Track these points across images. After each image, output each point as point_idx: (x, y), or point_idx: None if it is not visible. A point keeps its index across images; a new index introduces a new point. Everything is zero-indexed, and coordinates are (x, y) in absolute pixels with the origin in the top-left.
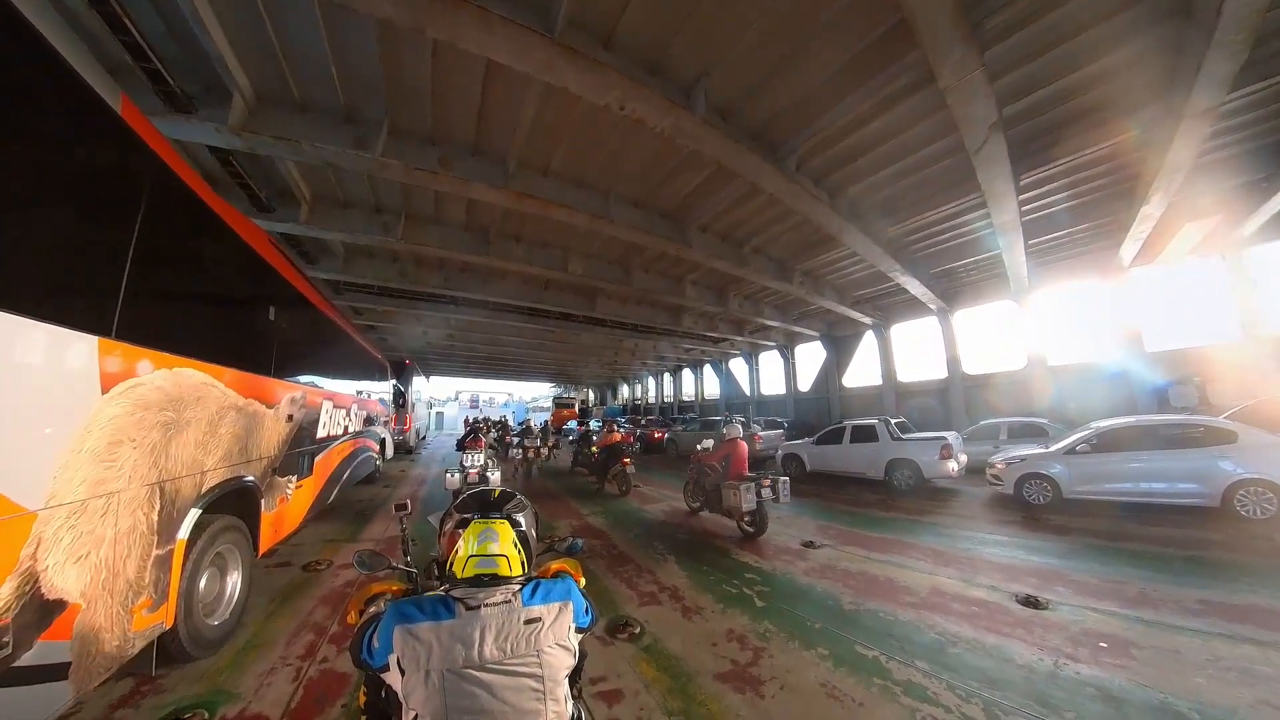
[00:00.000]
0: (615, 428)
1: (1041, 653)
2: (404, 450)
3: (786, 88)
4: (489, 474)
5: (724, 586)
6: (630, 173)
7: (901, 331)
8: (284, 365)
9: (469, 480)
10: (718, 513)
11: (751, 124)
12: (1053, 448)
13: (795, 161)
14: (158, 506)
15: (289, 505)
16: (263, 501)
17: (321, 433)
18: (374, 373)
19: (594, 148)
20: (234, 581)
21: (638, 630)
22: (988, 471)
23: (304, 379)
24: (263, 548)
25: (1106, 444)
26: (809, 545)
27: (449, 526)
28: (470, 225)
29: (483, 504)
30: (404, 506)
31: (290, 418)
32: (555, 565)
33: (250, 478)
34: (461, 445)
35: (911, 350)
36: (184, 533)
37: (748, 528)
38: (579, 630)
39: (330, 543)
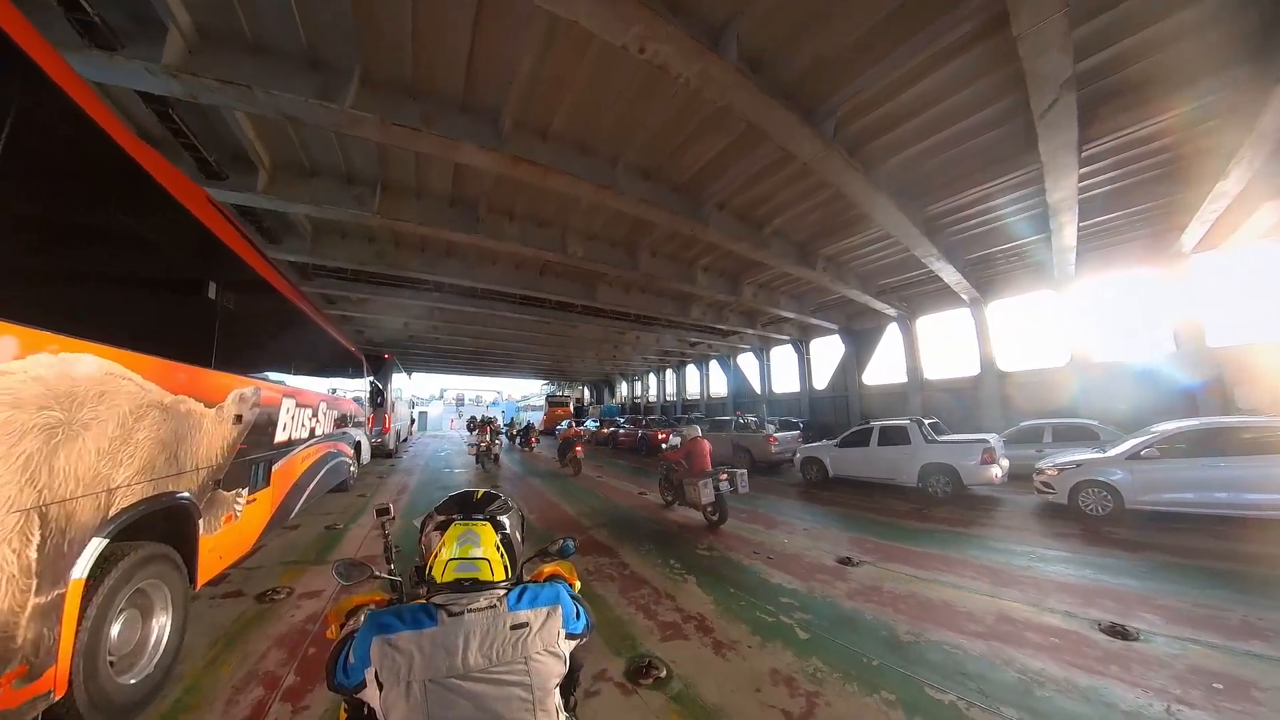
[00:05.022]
0: (573, 425)
1: (1147, 695)
2: (383, 454)
3: (829, 35)
4: (494, 447)
5: (758, 614)
6: (642, 138)
7: (928, 325)
8: (230, 356)
9: (480, 448)
10: (686, 506)
11: (786, 78)
12: (1112, 452)
13: (833, 125)
14: (36, 539)
15: (239, 524)
16: (202, 522)
17: (281, 436)
18: (348, 367)
19: (602, 107)
20: (162, 624)
21: (663, 673)
22: (1036, 478)
23: (258, 373)
24: (203, 578)
25: (1177, 448)
26: (846, 562)
27: (429, 528)
28: (457, 199)
29: (465, 505)
30: (385, 510)
31: (239, 419)
32: (549, 569)
33: (184, 494)
34: (470, 429)
35: (939, 345)
36: (81, 570)
37: (711, 517)
38: (570, 636)
39: (292, 565)
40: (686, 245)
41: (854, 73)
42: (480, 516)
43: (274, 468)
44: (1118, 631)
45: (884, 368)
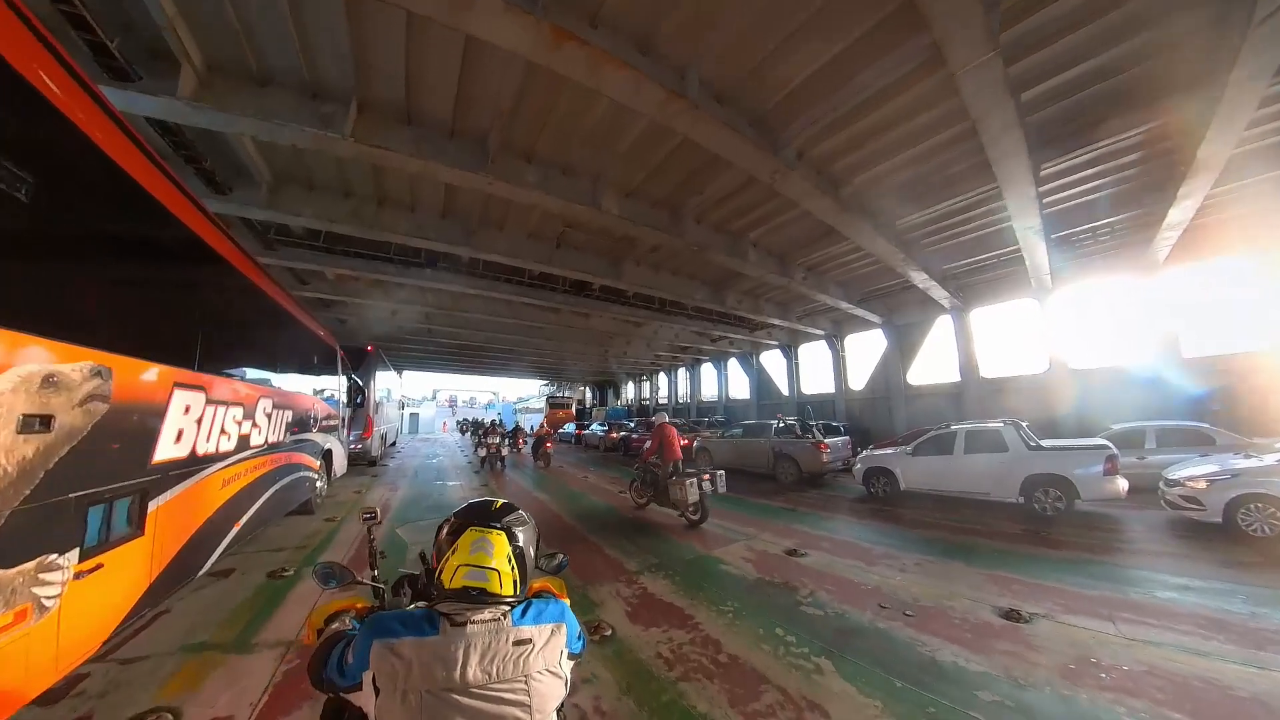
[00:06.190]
0: (543, 427)
1: None
2: (364, 462)
3: None
4: (503, 450)
5: None
6: (721, 40)
7: (981, 318)
8: (17, 298)
9: (491, 450)
10: (665, 506)
11: None
12: (1273, 459)
13: (998, 18)
14: None
15: (51, 620)
16: None
17: (173, 451)
18: (314, 356)
19: None
20: None
21: None
22: (1168, 490)
23: (110, 343)
24: None
25: None
26: (1014, 617)
27: (443, 533)
28: (460, 126)
29: (481, 514)
30: (372, 514)
31: (37, 422)
32: (537, 584)
33: None
34: (462, 431)
35: (990, 340)
36: None
37: (692, 516)
38: (572, 657)
39: (199, 653)
40: (740, 212)
41: None
42: (496, 526)
43: (154, 503)
44: None
45: (929, 366)
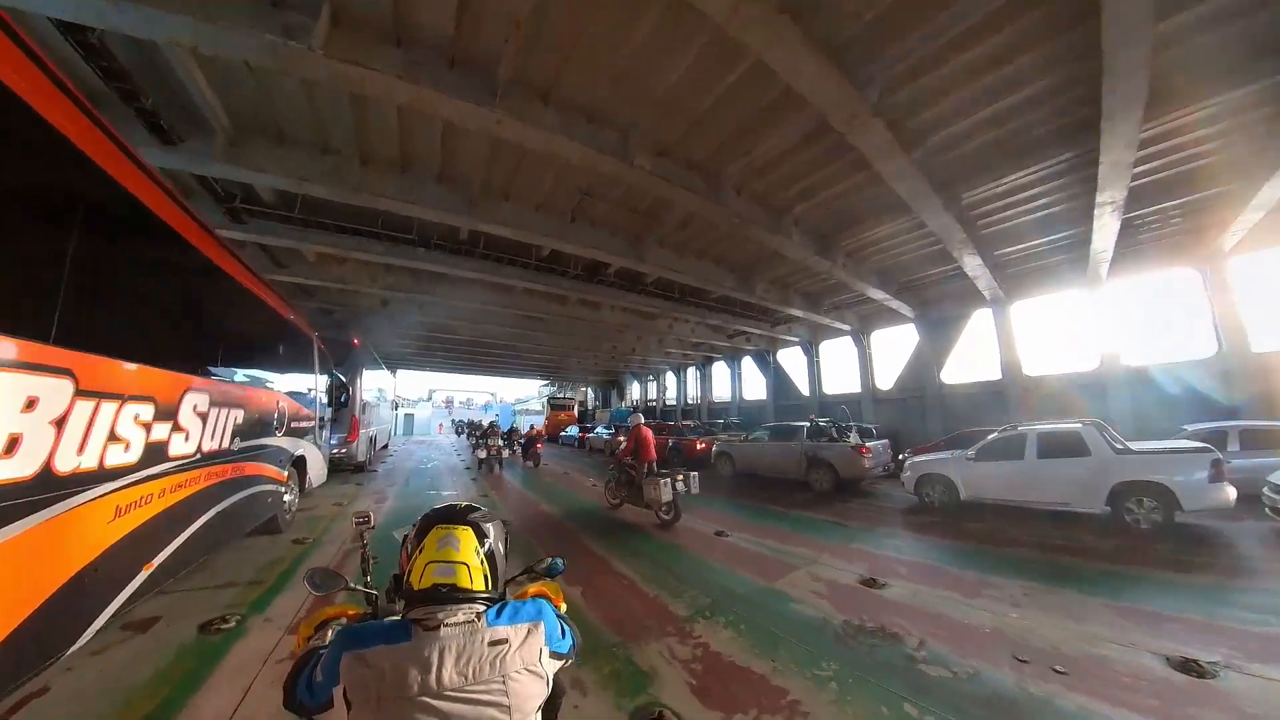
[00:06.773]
0: (534, 428)
1: None
2: (350, 467)
3: None
4: (504, 451)
5: None
6: None
7: (1021, 311)
8: None
9: (491, 452)
10: (639, 505)
11: None
12: None
13: None
14: None
15: None
16: None
17: (24, 467)
18: (279, 344)
19: None
20: None
21: None
22: (1277, 497)
23: None
24: None
25: None
26: (1191, 669)
27: (410, 537)
28: (463, 52)
29: (447, 515)
30: (365, 518)
31: None
32: (533, 589)
33: None
34: (475, 434)
35: (1030, 336)
36: None
37: (664, 516)
38: (555, 656)
39: None
40: (786, 181)
41: None
42: (462, 522)
43: None
44: None
45: (965, 363)
